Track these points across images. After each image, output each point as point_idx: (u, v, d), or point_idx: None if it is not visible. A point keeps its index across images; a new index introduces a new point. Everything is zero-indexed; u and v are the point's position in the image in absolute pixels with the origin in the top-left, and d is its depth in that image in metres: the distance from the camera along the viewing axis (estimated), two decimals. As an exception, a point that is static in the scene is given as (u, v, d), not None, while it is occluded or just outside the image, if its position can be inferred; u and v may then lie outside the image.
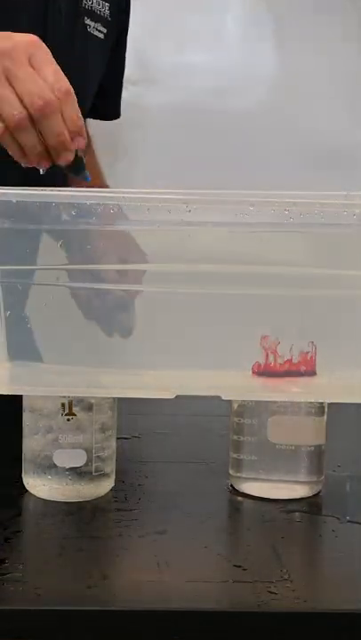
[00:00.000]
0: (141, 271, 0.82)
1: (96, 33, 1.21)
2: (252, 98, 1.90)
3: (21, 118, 0.74)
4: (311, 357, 0.80)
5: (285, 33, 1.89)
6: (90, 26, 1.19)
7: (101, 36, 1.22)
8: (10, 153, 0.78)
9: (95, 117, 1.35)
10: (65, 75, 1.16)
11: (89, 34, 1.20)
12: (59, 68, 0.75)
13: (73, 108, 0.76)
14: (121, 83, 1.35)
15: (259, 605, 0.64)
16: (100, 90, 1.30)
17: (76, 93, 1.20)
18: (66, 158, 0.78)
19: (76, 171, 0.82)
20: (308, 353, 0.80)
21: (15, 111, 0.73)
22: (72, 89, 0.76)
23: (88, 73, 1.22)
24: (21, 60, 0.75)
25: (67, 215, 0.74)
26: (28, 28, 1.11)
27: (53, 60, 0.75)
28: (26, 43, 0.76)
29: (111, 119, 1.38)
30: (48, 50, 0.75)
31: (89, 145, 1.31)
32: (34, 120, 0.75)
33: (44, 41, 1.13)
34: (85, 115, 1.27)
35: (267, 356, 0.80)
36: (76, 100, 0.76)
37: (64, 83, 0.75)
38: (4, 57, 0.74)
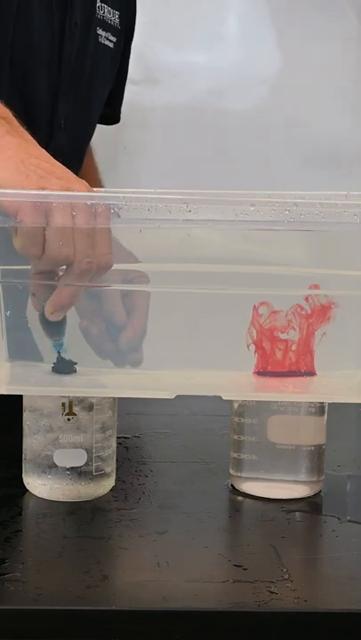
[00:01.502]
0: (147, 294, 0.84)
1: (107, 43, 1.21)
2: (252, 98, 1.90)
3: (60, 261, 0.75)
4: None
5: (285, 33, 1.89)
6: (101, 36, 1.20)
7: (111, 45, 1.22)
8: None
9: (100, 123, 1.36)
10: (76, 86, 1.16)
11: (100, 44, 1.20)
12: (111, 241, 0.76)
13: (97, 278, 0.77)
14: (123, 89, 1.35)
15: (259, 605, 0.64)
16: (109, 99, 1.30)
17: (86, 103, 1.20)
18: (57, 315, 0.79)
19: (55, 329, 0.81)
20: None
21: (61, 251, 0.74)
22: (112, 265, 0.77)
23: (98, 83, 1.23)
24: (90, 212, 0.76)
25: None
26: (46, 41, 1.12)
27: (110, 232, 0.76)
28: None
29: (111, 124, 1.38)
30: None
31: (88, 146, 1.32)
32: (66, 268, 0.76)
33: (60, 55, 1.14)
34: (95, 123, 1.28)
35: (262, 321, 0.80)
36: (106, 271, 0.78)
37: (110, 258, 0.77)
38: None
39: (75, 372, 0.82)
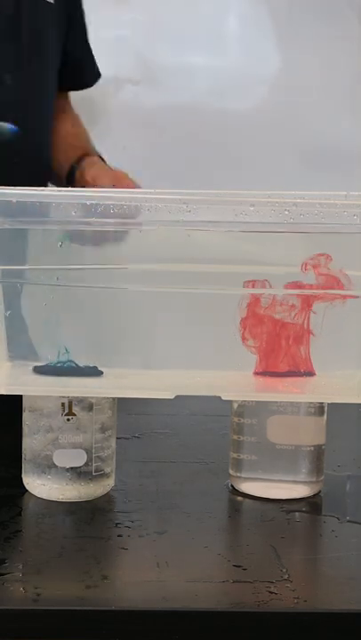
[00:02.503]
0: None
1: None
2: (252, 98, 1.90)
3: None
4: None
5: (285, 33, 1.89)
6: None
7: (51, 0, 1.23)
8: None
9: (79, 88, 1.37)
10: (20, 44, 1.18)
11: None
12: None
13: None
14: (89, 48, 1.37)
15: (259, 605, 0.64)
16: (74, 61, 1.31)
17: (38, 62, 1.21)
18: None
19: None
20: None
21: None
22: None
23: (45, 40, 1.23)
24: None
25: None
26: None
27: None
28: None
29: (93, 84, 1.39)
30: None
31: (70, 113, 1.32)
32: None
33: None
34: (55, 84, 1.29)
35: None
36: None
37: None
38: None
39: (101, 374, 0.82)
